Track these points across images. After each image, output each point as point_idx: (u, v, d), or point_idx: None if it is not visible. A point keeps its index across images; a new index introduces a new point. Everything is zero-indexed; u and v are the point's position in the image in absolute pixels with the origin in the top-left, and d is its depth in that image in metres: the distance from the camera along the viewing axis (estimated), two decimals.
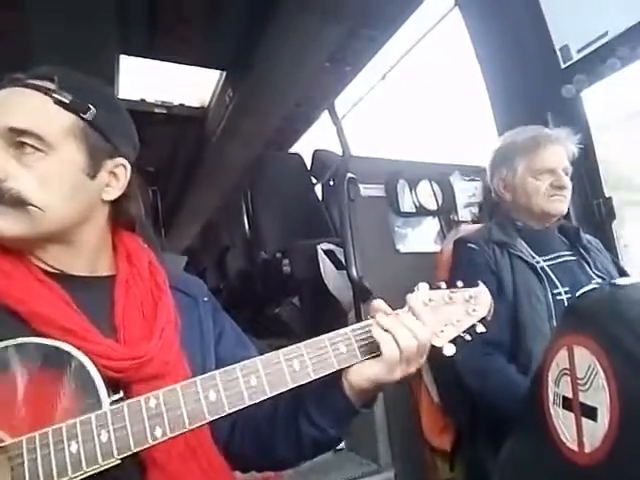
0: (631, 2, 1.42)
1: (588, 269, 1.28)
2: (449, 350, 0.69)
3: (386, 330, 0.63)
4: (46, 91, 0.63)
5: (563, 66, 1.62)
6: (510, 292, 1.20)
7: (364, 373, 0.64)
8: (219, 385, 0.57)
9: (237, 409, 0.57)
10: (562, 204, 1.30)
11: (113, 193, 0.70)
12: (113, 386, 0.59)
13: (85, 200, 0.66)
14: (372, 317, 0.67)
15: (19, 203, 0.60)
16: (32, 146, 0.61)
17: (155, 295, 0.70)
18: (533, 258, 1.26)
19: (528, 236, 1.31)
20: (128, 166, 0.71)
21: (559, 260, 1.29)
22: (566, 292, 1.20)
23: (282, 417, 0.70)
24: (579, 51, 1.57)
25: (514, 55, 1.79)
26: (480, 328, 0.71)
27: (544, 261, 1.26)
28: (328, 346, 0.64)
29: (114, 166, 0.69)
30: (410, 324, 0.64)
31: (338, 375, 0.65)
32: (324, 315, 2.34)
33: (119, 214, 0.74)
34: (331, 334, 0.65)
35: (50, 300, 0.61)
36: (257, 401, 0.58)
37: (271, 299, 2.83)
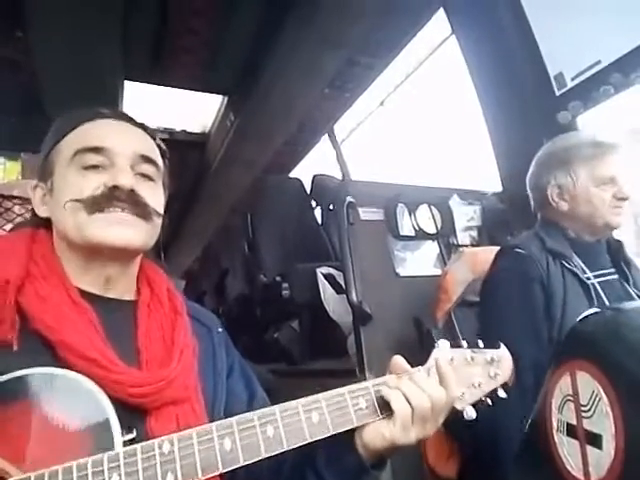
0: (623, 31, 1.46)
1: (629, 287, 1.21)
2: (470, 413, 0.66)
3: (396, 388, 0.62)
4: (152, 135, 0.77)
5: (558, 93, 1.65)
6: (559, 311, 1.12)
7: (379, 431, 0.62)
8: (235, 433, 0.56)
9: (252, 461, 0.56)
10: (623, 217, 1.22)
11: None
12: (133, 415, 0.60)
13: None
14: (391, 373, 0.66)
15: (149, 214, 0.69)
16: (149, 174, 0.72)
17: (173, 319, 0.73)
18: (585, 273, 1.17)
19: (579, 248, 1.22)
20: None
21: (605, 278, 1.21)
22: None
23: (288, 468, 0.69)
24: (573, 79, 1.61)
25: (510, 82, 1.83)
26: (502, 393, 0.69)
27: (595, 278, 1.18)
28: (348, 400, 0.62)
29: None
30: (422, 382, 0.63)
31: (351, 432, 0.62)
32: (324, 339, 2.32)
33: None
34: (352, 387, 0.63)
35: (79, 328, 0.62)
36: (273, 454, 0.56)
37: (270, 323, 2.81)
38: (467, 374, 0.67)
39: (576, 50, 1.60)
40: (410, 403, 0.61)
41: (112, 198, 0.66)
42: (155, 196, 0.72)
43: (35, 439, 0.53)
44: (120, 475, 0.50)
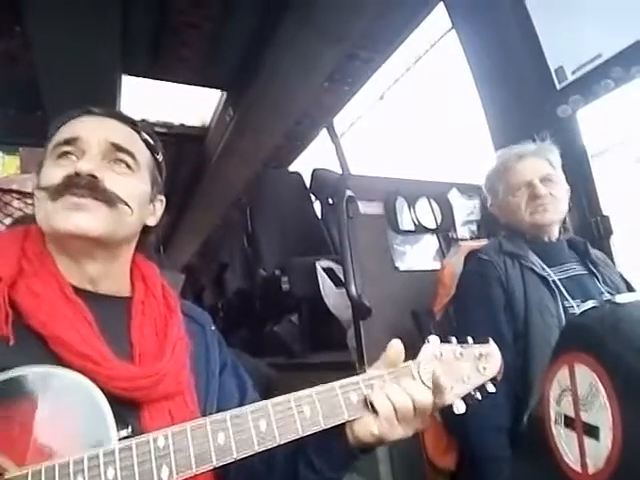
0: (624, 25, 1.45)
1: (597, 283, 1.27)
2: (460, 407, 0.67)
3: (380, 389, 0.63)
4: (136, 128, 0.76)
5: (558, 87, 1.65)
6: (521, 306, 1.20)
7: (368, 428, 0.63)
8: (229, 428, 0.56)
9: (245, 455, 0.56)
10: (546, 213, 1.30)
11: (153, 221, 0.79)
12: (127, 410, 0.60)
13: (141, 219, 0.75)
14: (386, 356, 0.66)
15: (113, 200, 0.68)
16: (125, 163, 0.72)
17: (166, 315, 0.74)
18: (544, 270, 1.26)
19: (538, 248, 1.32)
20: (164, 201, 0.82)
21: (570, 273, 1.28)
22: (578, 305, 1.19)
23: (280, 459, 0.69)
24: (574, 72, 1.60)
25: (510, 76, 1.82)
26: (491, 388, 0.70)
27: (555, 274, 1.26)
28: (339, 394, 0.63)
29: (158, 200, 0.81)
30: (405, 384, 0.64)
31: (342, 423, 0.63)
32: (323, 333, 2.32)
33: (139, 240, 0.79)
34: (343, 381, 0.64)
35: (73, 323, 0.62)
36: (266, 448, 0.57)
37: (270, 317, 2.82)
38: (456, 369, 0.68)
39: (577, 43, 1.59)
40: (393, 404, 0.62)
41: (71, 185, 0.66)
42: (126, 184, 0.71)
43: (32, 437, 0.53)
44: (116, 469, 0.50)
